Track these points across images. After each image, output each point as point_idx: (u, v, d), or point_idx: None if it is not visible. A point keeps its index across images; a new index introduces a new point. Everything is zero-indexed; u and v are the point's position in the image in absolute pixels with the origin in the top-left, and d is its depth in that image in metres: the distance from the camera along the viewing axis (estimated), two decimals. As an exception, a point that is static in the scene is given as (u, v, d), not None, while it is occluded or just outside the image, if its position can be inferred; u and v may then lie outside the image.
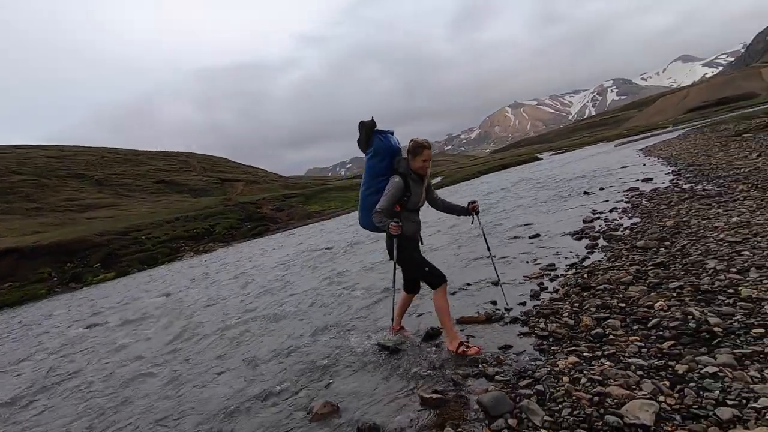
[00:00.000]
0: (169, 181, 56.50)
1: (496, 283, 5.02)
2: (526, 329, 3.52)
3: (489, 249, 4.27)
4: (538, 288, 4.45)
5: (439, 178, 45.71)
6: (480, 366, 3.07)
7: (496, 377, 2.84)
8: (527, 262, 5.65)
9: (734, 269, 3.54)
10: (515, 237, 7.44)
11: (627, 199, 8.34)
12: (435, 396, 2.77)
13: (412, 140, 3.45)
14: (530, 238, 7.04)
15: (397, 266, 3.63)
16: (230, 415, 3.38)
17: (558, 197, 11.47)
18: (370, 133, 3.45)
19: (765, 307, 2.81)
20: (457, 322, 4.04)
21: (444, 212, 3.82)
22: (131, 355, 5.83)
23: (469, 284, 5.26)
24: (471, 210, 3.71)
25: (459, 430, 2.42)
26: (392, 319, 4.16)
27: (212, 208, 37.55)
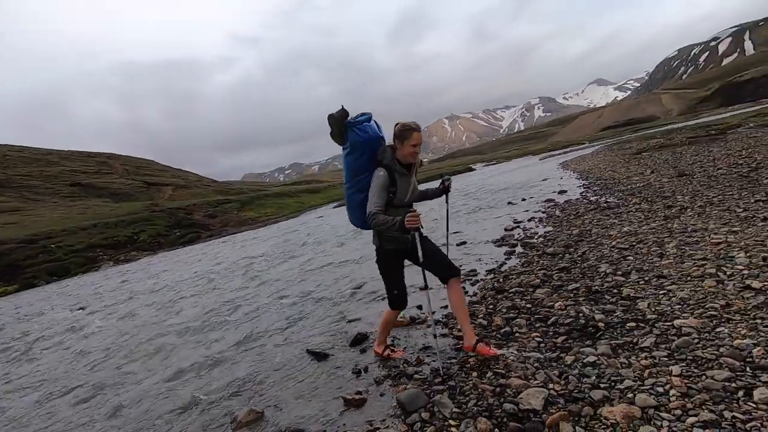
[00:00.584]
0: (86, 184, 51.73)
1: (423, 288, 5.31)
2: (446, 330, 3.79)
3: (447, 233, 4.13)
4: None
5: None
6: (401, 366, 3.27)
7: (415, 376, 3.05)
8: (462, 266, 6.01)
9: (620, 272, 4.09)
10: (443, 244, 7.84)
11: (544, 210, 9.13)
12: (357, 397, 2.92)
13: (397, 124, 2.99)
14: (458, 245, 7.47)
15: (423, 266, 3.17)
16: (152, 428, 3.27)
17: (486, 207, 12.22)
18: (341, 127, 2.96)
19: (639, 304, 3.30)
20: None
21: (421, 200, 3.40)
22: (44, 376, 5.33)
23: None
24: (446, 188, 3.30)
25: (378, 426, 2.58)
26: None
27: (136, 213, 34.98)
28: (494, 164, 56.24)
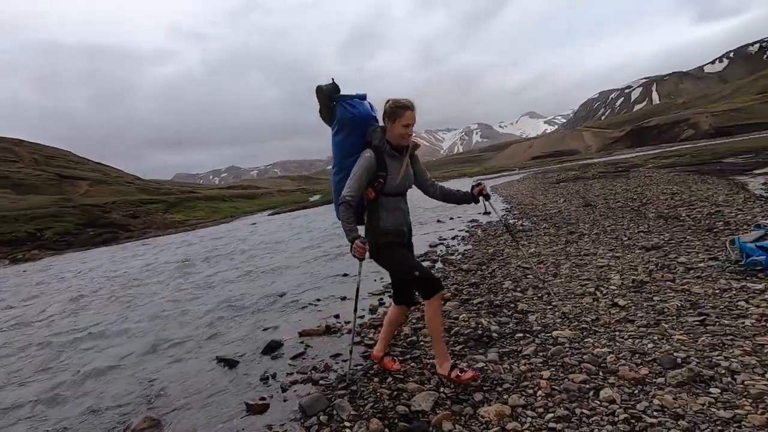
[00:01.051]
0: (-18, 171, 45.66)
1: (343, 299, 5.43)
2: (358, 339, 3.93)
3: (511, 234, 3.69)
4: (378, 303, 4.98)
5: (317, 196, 46.02)
6: (309, 373, 3.34)
7: (320, 381, 3.15)
8: (375, 280, 6.20)
9: (519, 289, 4.51)
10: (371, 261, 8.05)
11: (467, 229, 9.71)
12: (260, 402, 2.95)
13: (388, 101, 2.64)
14: (383, 258, 7.70)
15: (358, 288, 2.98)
16: (28, 442, 3.02)
17: (416, 223, 12.67)
18: (329, 102, 2.65)
19: (529, 317, 3.68)
20: (298, 335, 4.28)
21: (443, 201, 2.98)
22: None
23: (319, 300, 5.56)
24: (477, 194, 2.86)
25: (277, 430, 2.63)
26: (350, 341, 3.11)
27: (43, 208, 31.51)
28: (432, 183, 58.26)
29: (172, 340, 4.76)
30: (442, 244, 8.29)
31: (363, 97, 2.70)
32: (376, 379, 2.99)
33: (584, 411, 2.22)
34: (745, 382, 2.24)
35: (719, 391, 2.22)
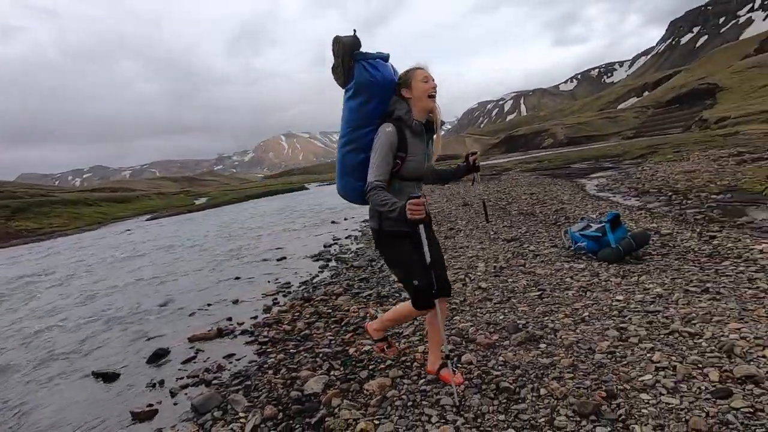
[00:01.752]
0: None
1: (235, 302, 5.38)
2: (252, 338, 3.99)
3: (487, 217, 3.17)
4: (272, 303, 5.05)
5: (203, 199, 42.89)
6: (201, 375, 3.34)
7: (213, 381, 3.18)
8: (269, 281, 6.23)
9: (403, 280, 5.00)
10: (265, 259, 8.00)
11: (360, 229, 10.16)
12: (147, 409, 2.89)
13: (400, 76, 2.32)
14: (277, 260, 7.71)
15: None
16: None
17: (311, 225, 12.80)
18: (349, 58, 2.21)
19: (410, 303, 4.15)
20: (188, 340, 4.17)
21: (438, 182, 2.71)
22: None
23: (209, 304, 5.41)
24: (473, 162, 2.59)
25: (168, 430, 2.63)
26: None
27: None
28: (327, 185, 58.41)
29: (38, 361, 4.24)
30: (336, 243, 8.58)
31: (386, 58, 2.28)
32: (270, 372, 3.13)
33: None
34: (562, 337, 2.93)
35: (545, 345, 2.87)
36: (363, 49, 2.23)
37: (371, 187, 2.17)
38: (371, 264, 6.17)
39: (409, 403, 2.42)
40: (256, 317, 4.63)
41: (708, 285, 3.60)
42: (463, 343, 3.09)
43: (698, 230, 5.53)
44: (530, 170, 24.36)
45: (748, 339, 2.57)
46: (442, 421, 2.20)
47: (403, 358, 3.01)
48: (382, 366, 2.95)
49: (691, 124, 60.16)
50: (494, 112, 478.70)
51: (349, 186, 2.43)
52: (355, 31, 2.25)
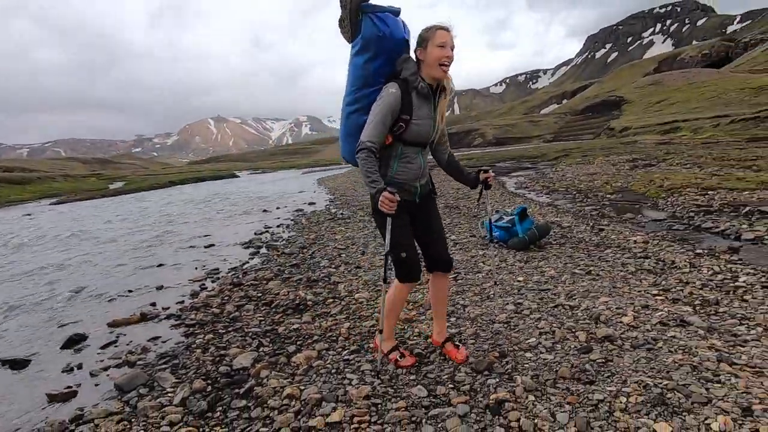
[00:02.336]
0: None
1: (159, 288, 5.25)
2: (178, 322, 3.98)
3: (490, 231, 3.24)
4: (199, 288, 5.02)
5: (119, 184, 39.45)
6: (124, 357, 3.31)
7: (138, 362, 3.18)
8: (196, 268, 6.12)
9: (333, 265, 5.23)
10: (192, 246, 7.77)
11: (292, 218, 10.17)
12: (66, 391, 2.84)
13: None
14: (205, 247, 7.54)
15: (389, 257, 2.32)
16: None
17: (243, 213, 12.49)
18: (357, 10, 2.10)
19: (339, 287, 4.40)
20: (107, 326, 4.06)
21: (446, 168, 2.57)
22: None
23: (130, 291, 5.22)
24: (482, 181, 2.54)
25: (90, 410, 2.62)
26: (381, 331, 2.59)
27: None
28: (260, 173, 56.49)
29: None
30: (268, 231, 8.56)
31: (397, 13, 2.16)
32: (198, 351, 3.21)
33: (369, 345, 2.98)
34: (469, 311, 3.36)
35: (455, 318, 3.27)
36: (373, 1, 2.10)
37: (361, 147, 2.09)
38: (302, 251, 6.31)
39: (333, 371, 2.68)
40: (182, 302, 4.59)
41: (591, 268, 4.27)
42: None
43: (591, 224, 6.40)
44: (459, 167, 25.63)
45: (611, 309, 3.17)
46: (362, 383, 2.48)
47: (330, 334, 3.25)
48: (310, 341, 3.17)
49: (601, 131, 66.87)
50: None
51: (348, 146, 2.31)
52: None
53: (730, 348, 2.54)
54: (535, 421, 1.98)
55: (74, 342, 3.73)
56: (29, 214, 18.48)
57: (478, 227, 6.45)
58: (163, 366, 3.03)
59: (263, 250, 6.82)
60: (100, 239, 9.47)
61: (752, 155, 12.13)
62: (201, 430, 2.23)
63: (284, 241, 7.34)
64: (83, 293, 5.34)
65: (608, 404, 2.06)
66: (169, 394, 2.63)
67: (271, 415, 2.27)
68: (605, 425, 1.92)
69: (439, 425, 2.04)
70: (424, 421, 2.08)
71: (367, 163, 2.08)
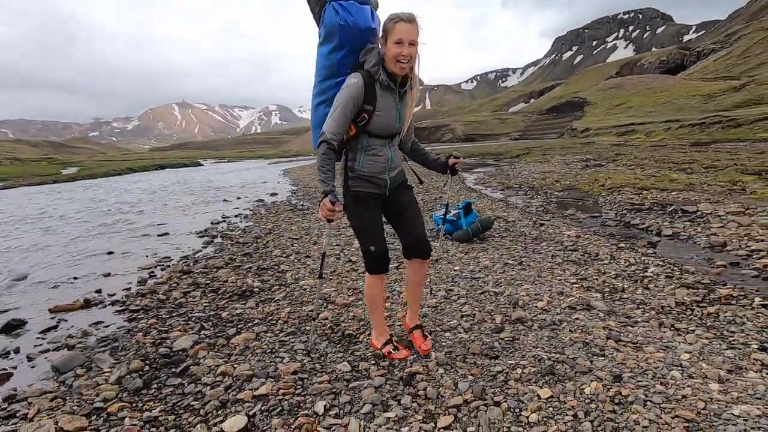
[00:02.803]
0: None
1: (106, 275, 5.23)
2: (122, 308, 4.02)
3: (442, 228, 3.19)
4: (147, 276, 5.03)
5: (73, 169, 37.56)
6: (64, 341, 3.34)
7: (77, 346, 3.23)
8: (147, 256, 6.09)
9: (284, 255, 5.37)
10: (145, 235, 7.67)
11: (252, 208, 10.16)
12: (0, 372, 2.87)
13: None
14: (159, 235, 7.47)
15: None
16: None
17: (201, 202, 12.32)
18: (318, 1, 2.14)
19: (287, 274, 4.54)
20: (49, 311, 4.04)
21: (411, 157, 2.59)
22: None
23: (76, 278, 5.18)
24: (450, 166, 2.56)
25: (24, 390, 2.68)
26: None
27: None
28: (225, 162, 55.12)
29: None
30: (225, 221, 8.54)
31: (363, 1, 2.13)
32: (140, 334, 3.29)
33: (306, 327, 3.16)
34: (403, 296, 3.59)
35: (389, 303, 3.50)
36: None
37: (321, 140, 2.08)
38: (256, 240, 6.39)
39: (268, 351, 2.85)
40: (129, 289, 4.61)
41: (523, 259, 4.62)
42: (325, 303, 3.60)
43: (534, 219, 6.82)
44: (425, 162, 26.06)
45: (530, 295, 3.49)
46: (292, 360, 2.67)
47: (270, 318, 3.41)
48: (250, 324, 3.32)
49: (564, 131, 69.33)
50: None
51: (316, 138, 2.23)
52: None
53: (622, 328, 2.89)
54: (440, 389, 2.23)
55: (12, 327, 3.71)
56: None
57: (427, 220, 6.73)
58: (102, 348, 3.10)
59: (218, 240, 6.84)
60: (48, 227, 9.14)
61: (690, 159, 13.09)
62: (134, 405, 2.35)
63: (240, 231, 7.38)
64: (26, 280, 5.23)
65: (505, 375, 2.34)
66: (106, 374, 2.71)
67: (203, 390, 2.42)
68: (498, 391, 2.19)
69: (356, 395, 2.26)
70: (342, 392, 2.29)
71: (322, 159, 2.06)
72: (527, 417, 1.99)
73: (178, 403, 2.32)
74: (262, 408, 2.20)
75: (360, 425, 2.01)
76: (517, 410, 2.05)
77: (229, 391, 2.38)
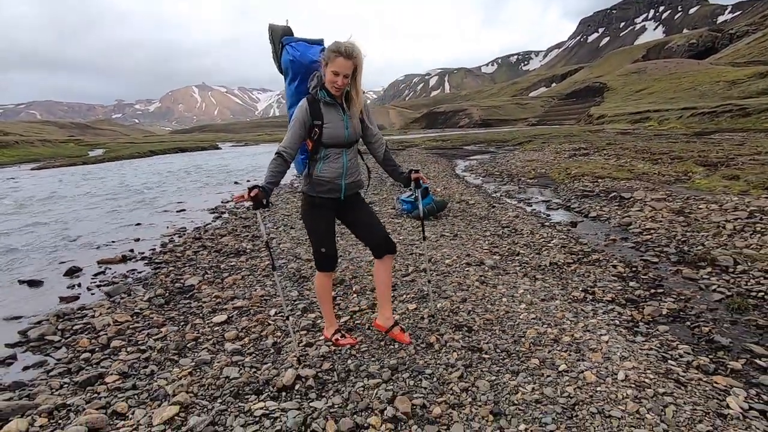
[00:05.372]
0: None
1: (137, 240, 6.66)
2: (149, 261, 5.43)
3: (423, 232, 3.15)
4: (168, 241, 6.44)
5: (99, 151, 39.77)
6: (110, 280, 4.75)
7: (120, 283, 4.63)
8: (168, 227, 7.52)
9: (276, 227, 6.68)
10: (166, 210, 9.14)
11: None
12: (71, 294, 4.29)
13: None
14: (177, 211, 8.92)
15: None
16: None
17: (215, 183, 13.80)
18: (279, 44, 2.63)
19: (272, 241, 5.85)
20: (97, 263, 5.48)
21: (381, 164, 2.79)
22: None
23: (113, 241, 6.64)
24: (415, 179, 2.80)
25: (88, 303, 4.06)
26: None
27: None
28: (242, 146, 56.89)
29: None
30: (232, 201, 9.92)
31: (316, 42, 2.61)
32: (162, 276, 4.67)
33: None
34: (355, 258, 4.87)
35: (346, 263, 4.77)
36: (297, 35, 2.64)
37: (277, 152, 2.42)
38: (256, 215, 7.74)
39: (248, 285, 4.18)
40: (154, 249, 6.02)
41: (458, 233, 5.83)
42: (295, 258, 4.90)
43: (490, 202, 7.97)
44: (431, 147, 27.03)
45: (443, 255, 4.72)
46: (263, 289, 3.98)
47: (254, 267, 4.74)
48: (239, 271, 4.66)
49: (581, 118, 68.58)
50: (419, 87, 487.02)
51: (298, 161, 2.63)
52: (287, 21, 2.70)
53: (494, 276, 4.11)
54: (347, 300, 3.51)
55: (73, 272, 5.15)
56: (13, 178, 19.38)
57: (394, 201, 7.96)
58: (137, 284, 4.50)
59: (225, 215, 8.23)
60: (87, 203, 10.72)
61: (668, 149, 13.85)
62: (159, 311, 3.71)
63: (245, 209, 8.75)
64: (77, 242, 6.72)
65: (395, 298, 3.60)
66: (140, 297, 4.10)
67: (202, 305, 3.76)
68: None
69: (295, 305, 3.56)
70: (288, 306, 3.60)
71: (272, 164, 2.42)
72: (394, 310, 3.26)
73: (186, 311, 3.68)
74: (238, 313, 3.53)
75: (293, 321, 3.31)
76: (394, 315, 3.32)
77: (218, 305, 3.72)
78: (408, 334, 2.97)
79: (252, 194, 2.36)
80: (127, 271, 5.09)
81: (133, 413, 2.30)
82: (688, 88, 62.50)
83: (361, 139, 2.70)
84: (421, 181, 2.84)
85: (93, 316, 3.67)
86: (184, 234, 6.85)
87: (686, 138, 18.82)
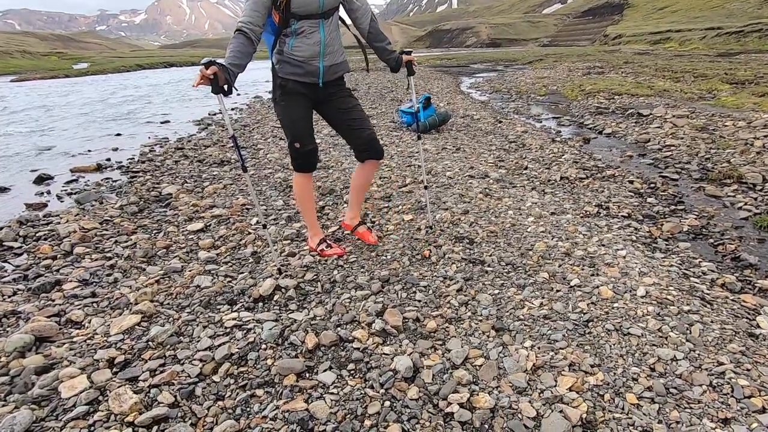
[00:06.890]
0: None
1: (115, 149, 6.19)
2: (126, 170, 5.01)
3: (418, 128, 3.11)
4: (148, 150, 5.97)
5: (84, 65, 37.45)
6: (81, 188, 4.38)
7: (92, 191, 4.26)
8: (149, 137, 7.00)
9: (263, 138, 6.18)
10: (149, 122, 8.53)
11: (249, 104, 10.79)
12: (39, 202, 3.94)
13: None
14: (161, 123, 8.32)
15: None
16: None
17: (203, 97, 12.92)
18: None
19: (259, 152, 5.40)
20: (70, 171, 5.07)
21: (367, 42, 2.38)
22: None
23: (90, 150, 6.18)
24: (405, 65, 2.45)
25: (56, 210, 3.73)
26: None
27: None
28: (235, 62, 53.65)
29: None
30: (220, 113, 9.25)
31: None
32: (138, 184, 4.30)
33: (265, 182, 4.09)
34: (344, 166, 4.45)
35: (323, 170, 4.37)
36: None
37: (235, 28, 2.03)
38: (244, 128, 7.19)
39: (229, 195, 3.82)
40: (132, 158, 5.58)
41: (462, 146, 5.36)
42: (282, 168, 4.50)
43: (497, 117, 7.37)
44: (436, 65, 25.38)
45: (445, 167, 4.31)
46: (244, 198, 3.63)
47: (237, 177, 4.35)
48: (221, 180, 4.28)
49: (596, 38, 64.12)
50: (425, 1, 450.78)
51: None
52: None
53: (499, 189, 3.74)
54: (338, 212, 3.18)
55: (43, 179, 4.77)
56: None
57: (393, 114, 7.36)
58: (111, 192, 4.13)
59: (211, 127, 7.66)
60: (65, 114, 10.04)
61: (691, 68, 12.82)
62: (130, 219, 3.38)
63: (233, 121, 8.14)
64: (51, 151, 6.25)
65: (389, 209, 3.26)
66: (112, 204, 3.75)
67: (178, 213, 3.42)
68: (379, 216, 3.12)
69: (278, 215, 3.23)
70: (271, 215, 3.26)
71: (233, 43, 1.99)
72: (389, 221, 2.93)
73: (161, 219, 3.35)
74: (216, 221, 3.20)
75: (274, 230, 2.99)
76: (382, 223, 2.99)
77: (195, 213, 3.38)
78: (375, 233, 2.76)
79: (209, 71, 1.84)
80: (102, 180, 4.70)
81: (89, 322, 2.05)
82: (717, 6, 57.67)
83: (343, 9, 2.22)
84: (413, 66, 2.47)
85: (58, 223, 3.35)
86: (166, 144, 6.36)
87: (709, 59, 17.47)
